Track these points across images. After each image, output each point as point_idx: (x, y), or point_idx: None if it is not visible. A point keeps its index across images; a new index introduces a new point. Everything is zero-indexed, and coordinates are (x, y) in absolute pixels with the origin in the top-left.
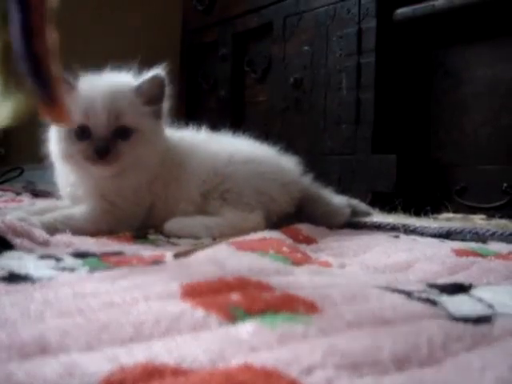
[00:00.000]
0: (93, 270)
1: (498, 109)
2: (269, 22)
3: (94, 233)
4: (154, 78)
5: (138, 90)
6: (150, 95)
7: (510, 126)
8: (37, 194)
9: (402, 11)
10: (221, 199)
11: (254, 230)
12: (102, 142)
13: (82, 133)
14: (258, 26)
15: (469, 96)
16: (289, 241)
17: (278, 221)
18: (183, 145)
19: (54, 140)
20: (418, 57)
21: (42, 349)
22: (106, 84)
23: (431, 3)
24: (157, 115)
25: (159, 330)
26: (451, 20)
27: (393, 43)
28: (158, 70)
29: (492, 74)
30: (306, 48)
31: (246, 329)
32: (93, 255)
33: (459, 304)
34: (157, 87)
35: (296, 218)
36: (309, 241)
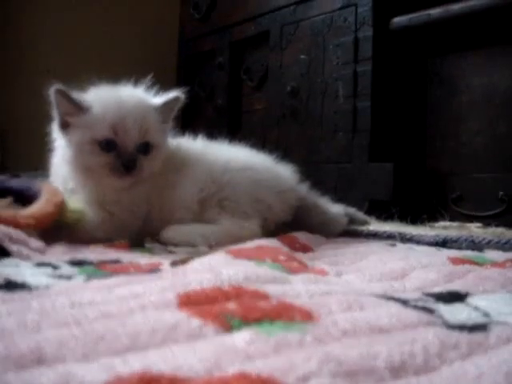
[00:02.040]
0: (89, 278)
1: (494, 117)
2: (266, 30)
3: (90, 241)
4: (176, 100)
5: (160, 108)
6: (169, 114)
7: (506, 134)
8: None
9: (398, 20)
10: (218, 207)
11: (251, 238)
12: (130, 156)
13: (106, 146)
14: (255, 35)
15: (465, 105)
16: (285, 249)
17: (275, 229)
18: (180, 153)
19: (70, 150)
20: (414, 65)
21: (39, 359)
22: (134, 101)
23: (427, 12)
24: (168, 131)
25: (155, 339)
26: (447, 29)
27: (389, 52)
28: (179, 92)
29: (488, 82)
30: (303, 56)
31: (242, 337)
32: (89, 263)
33: (455, 312)
34: (175, 108)
35: (293, 226)
36: (305, 249)
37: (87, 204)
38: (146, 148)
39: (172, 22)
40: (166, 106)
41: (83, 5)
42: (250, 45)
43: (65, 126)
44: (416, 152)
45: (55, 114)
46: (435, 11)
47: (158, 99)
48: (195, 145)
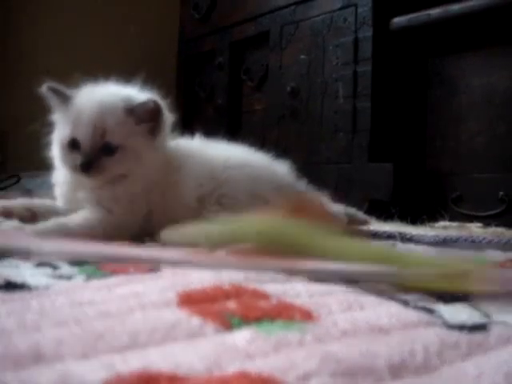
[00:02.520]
0: (89, 278)
1: (494, 118)
2: (266, 30)
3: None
4: (146, 104)
5: (130, 110)
6: (142, 116)
7: (506, 134)
8: None
9: (397, 20)
10: (217, 205)
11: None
12: (86, 157)
13: (73, 145)
14: (255, 35)
15: (465, 105)
16: None
17: None
18: (179, 152)
19: (55, 150)
20: (414, 66)
21: (38, 358)
22: (96, 99)
23: (427, 12)
24: (151, 132)
25: (155, 338)
26: (447, 29)
27: (389, 52)
28: (152, 96)
29: (488, 83)
30: (303, 57)
31: (243, 336)
32: (89, 263)
33: (455, 312)
34: (149, 111)
35: None
36: None
37: (85, 202)
38: (108, 149)
39: (172, 22)
40: (137, 109)
41: (83, 6)
42: (250, 45)
43: (53, 126)
44: (416, 152)
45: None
46: (435, 11)
47: (131, 100)
48: (193, 144)
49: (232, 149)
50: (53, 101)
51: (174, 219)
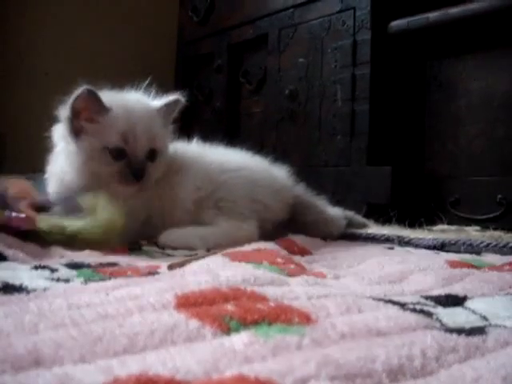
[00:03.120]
0: (87, 281)
1: (492, 121)
2: (264, 33)
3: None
4: (176, 102)
5: (162, 112)
6: (169, 117)
7: (504, 137)
8: None
9: (396, 23)
10: (215, 208)
11: (248, 239)
12: (140, 165)
13: (117, 155)
14: (254, 38)
15: (463, 108)
16: (283, 252)
17: (273, 230)
18: (177, 156)
19: (80, 156)
20: (413, 69)
21: (36, 361)
22: (142, 108)
23: (425, 16)
24: (169, 135)
25: (153, 341)
26: (445, 32)
27: (387, 55)
28: (178, 95)
29: (486, 86)
30: (301, 60)
31: (241, 339)
32: (87, 266)
33: (453, 315)
34: (175, 110)
35: (290, 226)
36: (303, 252)
37: None
38: (152, 155)
39: (170, 24)
40: (167, 109)
41: (82, 8)
42: (249, 48)
43: (77, 132)
44: (414, 155)
45: (67, 118)
46: (433, 14)
47: (159, 102)
48: (191, 148)
49: (229, 152)
50: (86, 106)
51: (172, 223)
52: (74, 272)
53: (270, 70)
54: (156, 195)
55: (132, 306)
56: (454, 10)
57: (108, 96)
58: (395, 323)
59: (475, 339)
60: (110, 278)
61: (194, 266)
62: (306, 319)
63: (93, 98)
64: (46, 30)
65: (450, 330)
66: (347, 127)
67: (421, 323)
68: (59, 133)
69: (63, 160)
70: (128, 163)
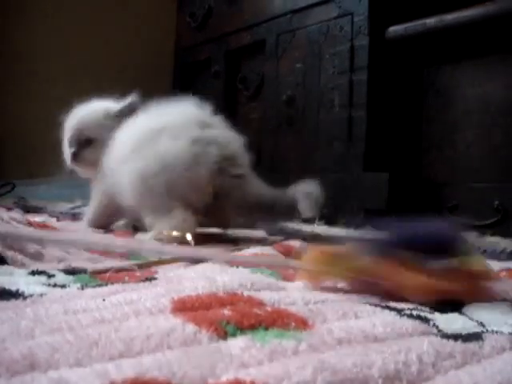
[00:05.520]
0: (84, 286)
1: (490, 127)
2: (262, 39)
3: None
4: (133, 103)
5: (115, 113)
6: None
7: (502, 144)
8: (28, 209)
9: (394, 29)
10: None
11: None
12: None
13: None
14: (251, 44)
15: (460, 114)
16: (281, 257)
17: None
18: None
19: None
20: (410, 75)
21: (31, 365)
22: (86, 110)
23: (423, 22)
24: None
25: (149, 345)
26: (443, 38)
27: (385, 61)
28: (133, 97)
29: (483, 92)
30: (299, 65)
31: (237, 344)
32: (84, 271)
33: (450, 321)
34: (136, 109)
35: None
36: (299, 256)
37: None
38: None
39: (168, 30)
40: (125, 109)
41: (80, 14)
42: (246, 54)
43: None
44: (411, 161)
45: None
46: (431, 20)
47: (115, 105)
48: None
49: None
50: None
51: None
52: (70, 277)
53: (268, 76)
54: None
55: (128, 310)
56: (451, 16)
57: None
58: (392, 329)
59: (472, 345)
60: (106, 284)
61: (191, 271)
62: (302, 324)
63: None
64: (43, 35)
65: (447, 336)
66: (344, 133)
67: (417, 329)
68: None
69: None
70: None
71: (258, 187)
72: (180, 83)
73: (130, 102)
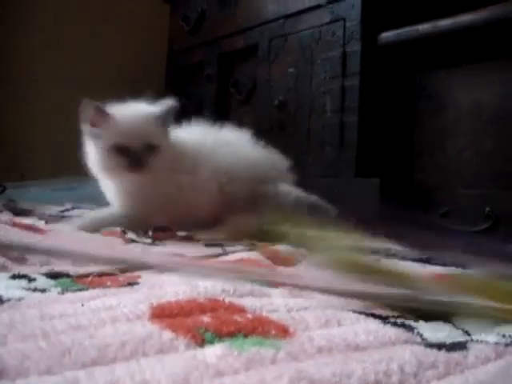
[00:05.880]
0: (65, 290)
1: (481, 133)
2: (254, 43)
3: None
4: (170, 107)
5: (159, 116)
6: (169, 119)
7: (493, 150)
8: (18, 212)
9: (386, 35)
10: None
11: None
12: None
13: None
14: (244, 48)
15: (452, 120)
16: (266, 262)
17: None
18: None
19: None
20: (402, 80)
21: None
22: (138, 113)
23: (415, 27)
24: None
25: (124, 353)
26: (435, 44)
27: (377, 66)
28: (171, 101)
29: (474, 98)
30: (291, 70)
31: (214, 352)
32: (67, 275)
33: (435, 330)
34: (171, 113)
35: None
36: (287, 262)
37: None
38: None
39: (161, 33)
40: (164, 113)
41: (71, 17)
42: (239, 58)
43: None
44: (403, 167)
45: (84, 126)
46: (423, 26)
47: (156, 108)
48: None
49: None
50: (95, 117)
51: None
52: (52, 282)
53: (260, 80)
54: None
55: (105, 316)
56: (443, 23)
57: (112, 107)
58: (375, 337)
59: (456, 355)
60: (87, 288)
61: (175, 276)
62: (283, 332)
63: (99, 110)
64: (35, 38)
65: (431, 345)
66: (336, 138)
67: (401, 337)
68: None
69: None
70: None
71: None
72: (173, 86)
73: (170, 106)
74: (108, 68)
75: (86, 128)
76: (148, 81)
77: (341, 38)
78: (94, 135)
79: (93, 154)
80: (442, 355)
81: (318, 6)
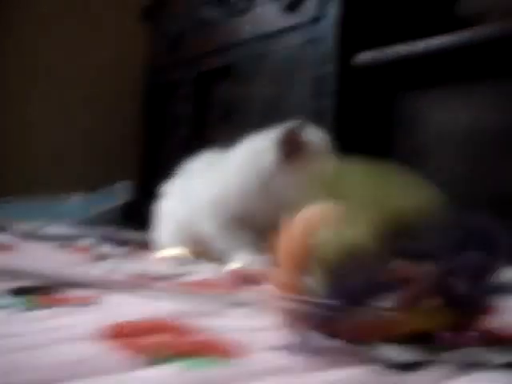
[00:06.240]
0: (27, 309)
1: (457, 155)
2: (232, 62)
3: None
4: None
5: None
6: None
7: (468, 172)
8: None
9: (361, 56)
10: None
11: None
12: None
13: None
14: (221, 67)
15: (428, 142)
16: (231, 282)
17: None
18: None
19: None
20: (377, 102)
21: None
22: None
23: (390, 49)
24: None
25: (78, 372)
26: (410, 66)
27: (353, 88)
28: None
29: (450, 120)
30: (267, 90)
31: (161, 372)
32: (34, 293)
33: (395, 349)
34: None
35: None
36: (253, 281)
37: None
38: None
39: (138, 51)
40: None
41: (45, 31)
42: (216, 77)
43: None
44: None
45: None
46: (399, 48)
47: None
48: None
49: None
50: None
51: None
52: (16, 299)
53: (237, 100)
54: None
55: (60, 336)
56: (419, 45)
57: None
58: (333, 356)
59: (412, 376)
60: (50, 307)
61: (137, 295)
62: (231, 353)
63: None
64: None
65: (391, 366)
66: None
67: (361, 357)
68: None
69: None
70: None
71: None
72: (149, 105)
73: None
74: (83, 84)
75: None
76: (124, 99)
77: (317, 59)
78: None
79: None
80: (396, 377)
81: (294, 27)
